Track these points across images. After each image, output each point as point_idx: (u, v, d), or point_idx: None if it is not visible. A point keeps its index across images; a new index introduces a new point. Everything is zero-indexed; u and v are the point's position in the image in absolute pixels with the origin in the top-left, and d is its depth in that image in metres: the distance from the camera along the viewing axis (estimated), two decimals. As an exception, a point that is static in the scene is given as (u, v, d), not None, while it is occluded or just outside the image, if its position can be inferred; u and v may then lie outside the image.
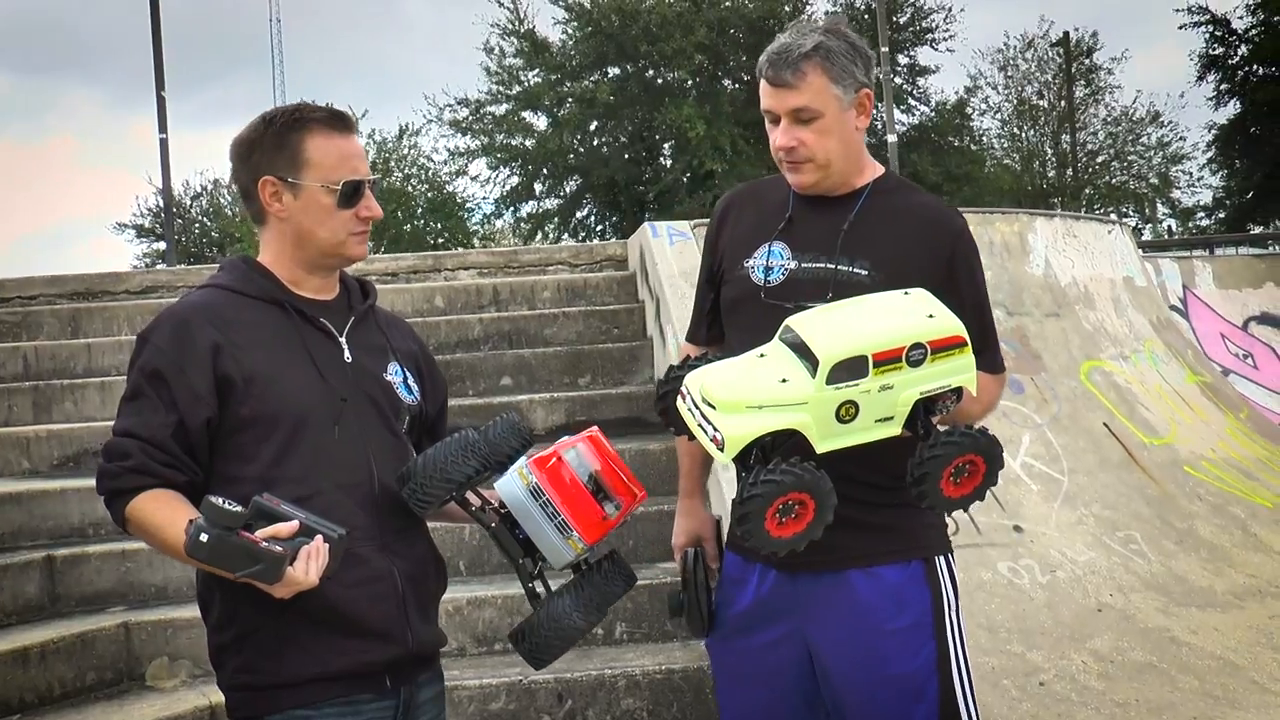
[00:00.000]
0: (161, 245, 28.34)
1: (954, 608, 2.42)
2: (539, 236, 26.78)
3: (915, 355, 2.02)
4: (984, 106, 30.15)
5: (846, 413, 2.03)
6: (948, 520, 2.51)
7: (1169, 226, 30.68)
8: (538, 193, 26.45)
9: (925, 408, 2.08)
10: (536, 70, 25.33)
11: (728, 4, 24.55)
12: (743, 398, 2.02)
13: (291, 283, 2.27)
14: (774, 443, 2.04)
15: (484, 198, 32.17)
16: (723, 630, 2.53)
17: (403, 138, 29.01)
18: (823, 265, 2.39)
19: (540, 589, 2.26)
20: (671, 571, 4.04)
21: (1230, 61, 24.70)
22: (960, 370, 2.07)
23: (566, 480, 2.17)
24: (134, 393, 2.15)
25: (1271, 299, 11.57)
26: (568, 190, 26.39)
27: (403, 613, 2.20)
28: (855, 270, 2.37)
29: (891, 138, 18.50)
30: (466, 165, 27.23)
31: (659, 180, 24.34)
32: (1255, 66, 24.40)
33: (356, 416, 2.22)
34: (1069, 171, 30.22)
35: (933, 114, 27.06)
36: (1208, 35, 24.77)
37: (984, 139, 30.03)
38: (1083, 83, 30.10)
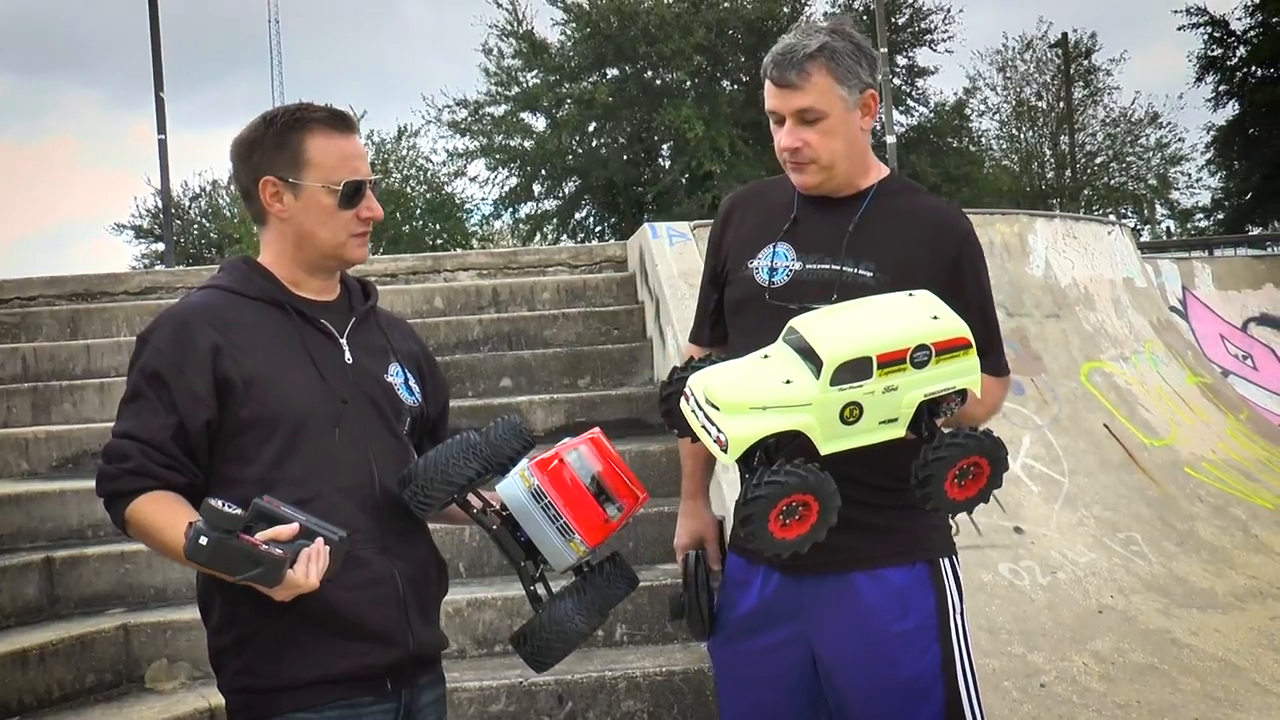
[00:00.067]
0: (160, 246, 28.33)
1: (958, 610, 2.41)
2: (537, 238, 26.78)
3: (920, 357, 2.01)
4: (982, 108, 30.25)
5: (851, 414, 2.02)
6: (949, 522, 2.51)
7: (1167, 228, 30.74)
8: (536, 194, 26.47)
9: (929, 410, 2.07)
10: (535, 71, 25.34)
11: (726, 5, 24.55)
12: (746, 399, 2.01)
13: (292, 283, 2.26)
14: (778, 444, 2.03)
15: (482, 199, 32.27)
16: (725, 632, 2.52)
17: (401, 139, 29.05)
18: (828, 267, 2.38)
19: (542, 592, 2.26)
20: (672, 573, 4.03)
21: (1229, 63, 24.71)
22: (965, 372, 2.06)
23: (568, 482, 2.16)
24: (133, 394, 2.14)
25: (1271, 300, 11.56)
26: (566, 191, 26.39)
27: (404, 615, 2.19)
28: (860, 272, 2.36)
29: (890, 139, 18.52)
30: (465, 166, 27.30)
31: (657, 181, 24.34)
32: (1254, 68, 24.40)
33: (357, 418, 2.21)
34: (1067, 173, 30.25)
35: (931, 115, 27.08)
36: (1206, 36, 24.78)
37: (983, 140, 30.10)
38: (1081, 84, 30.15)
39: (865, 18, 22.71)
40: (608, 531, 2.18)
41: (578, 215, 26.94)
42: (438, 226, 28.87)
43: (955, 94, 28.72)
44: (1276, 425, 9.39)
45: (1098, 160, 30.45)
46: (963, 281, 2.37)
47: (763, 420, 1.99)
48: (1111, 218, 17.32)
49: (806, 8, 24.98)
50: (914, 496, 2.09)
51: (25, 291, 7.50)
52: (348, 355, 2.25)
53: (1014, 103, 30.45)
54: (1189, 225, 29.75)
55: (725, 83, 25.10)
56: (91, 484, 2.21)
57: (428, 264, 8.01)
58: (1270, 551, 6.50)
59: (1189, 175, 30.13)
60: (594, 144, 25.65)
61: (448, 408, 2.49)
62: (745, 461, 2.04)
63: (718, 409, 2.02)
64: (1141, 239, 21.60)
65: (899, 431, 2.07)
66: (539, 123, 25.67)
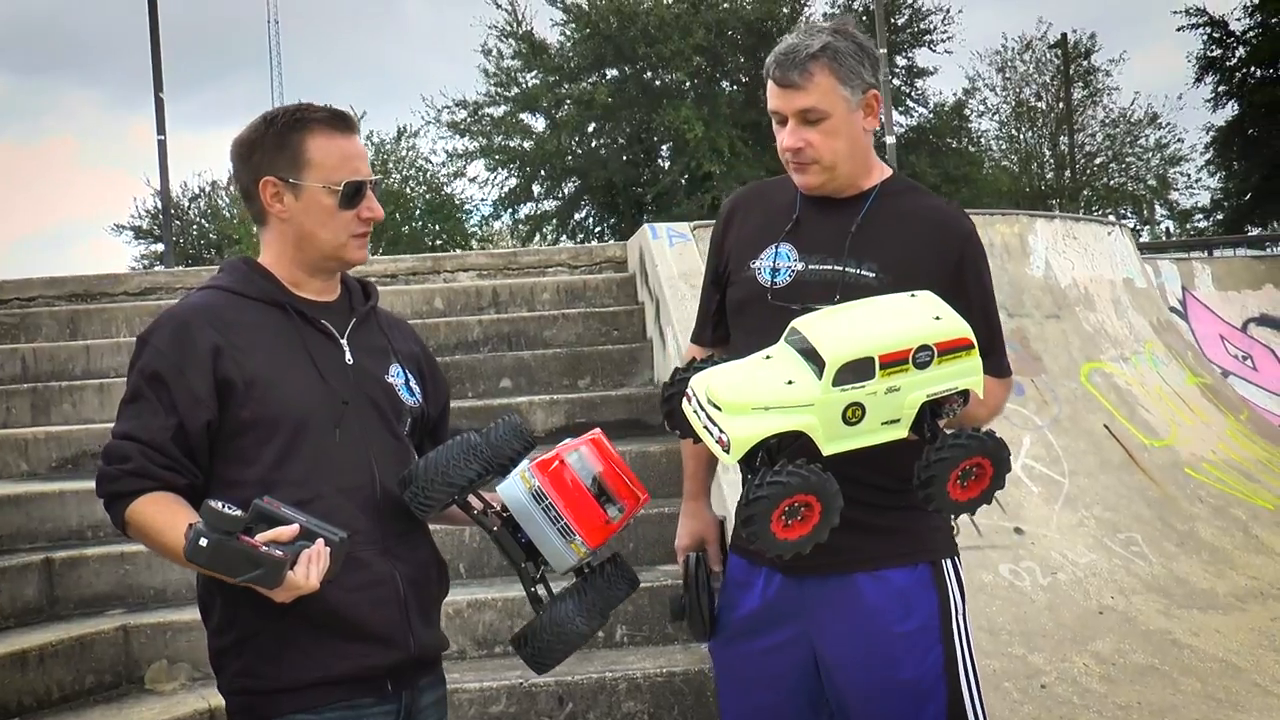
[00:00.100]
0: (159, 247, 28.33)
1: (961, 611, 2.41)
2: (537, 238, 26.79)
3: (922, 357, 2.01)
4: (982, 108, 30.26)
5: (853, 415, 2.02)
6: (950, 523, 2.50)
7: (1167, 228, 30.75)
8: (536, 194, 26.49)
9: (932, 410, 2.07)
10: (534, 72, 25.35)
11: (726, 6, 24.56)
12: (749, 399, 2.00)
13: (292, 284, 2.25)
14: (780, 445, 2.02)
15: (482, 199, 32.24)
16: (726, 633, 2.51)
17: (401, 139, 29.05)
18: (830, 267, 2.38)
19: (543, 593, 2.25)
20: (672, 574, 4.03)
21: (1228, 63, 24.71)
22: (967, 373, 2.05)
23: (569, 483, 2.15)
24: (133, 395, 2.13)
25: (1270, 300, 11.55)
26: (566, 192, 26.40)
27: (404, 617, 2.19)
28: (863, 272, 2.36)
29: (890, 139, 18.52)
30: (464, 167, 27.33)
31: (657, 182, 24.34)
32: (1253, 68, 24.41)
33: (358, 419, 2.20)
34: (1067, 173, 30.26)
35: (931, 116, 27.10)
36: (1205, 37, 24.79)
37: (982, 141, 30.11)
38: (1080, 84, 30.15)
39: (865, 18, 22.71)
40: (609, 533, 2.17)
41: (577, 216, 26.95)
42: (437, 227, 28.88)
43: (955, 94, 28.80)
44: (1276, 426, 9.39)
45: (1097, 161, 30.46)
46: (965, 282, 2.36)
47: (765, 421, 1.99)
48: (1111, 218, 17.32)
49: (806, 8, 25.03)
50: (916, 497, 2.09)
51: (25, 292, 7.49)
52: (348, 356, 2.24)
53: (1013, 103, 30.47)
54: (1188, 226, 29.76)
55: (725, 83, 25.11)
56: (91, 485, 2.21)
57: (427, 265, 8.01)
58: (1271, 552, 6.49)
59: (1188, 176, 30.18)
60: (593, 145, 25.66)
61: (448, 409, 2.48)
62: (747, 462, 2.04)
63: (720, 409, 2.02)
64: (1141, 239, 21.60)
65: (901, 432, 2.07)
66: (538, 123, 25.71)
